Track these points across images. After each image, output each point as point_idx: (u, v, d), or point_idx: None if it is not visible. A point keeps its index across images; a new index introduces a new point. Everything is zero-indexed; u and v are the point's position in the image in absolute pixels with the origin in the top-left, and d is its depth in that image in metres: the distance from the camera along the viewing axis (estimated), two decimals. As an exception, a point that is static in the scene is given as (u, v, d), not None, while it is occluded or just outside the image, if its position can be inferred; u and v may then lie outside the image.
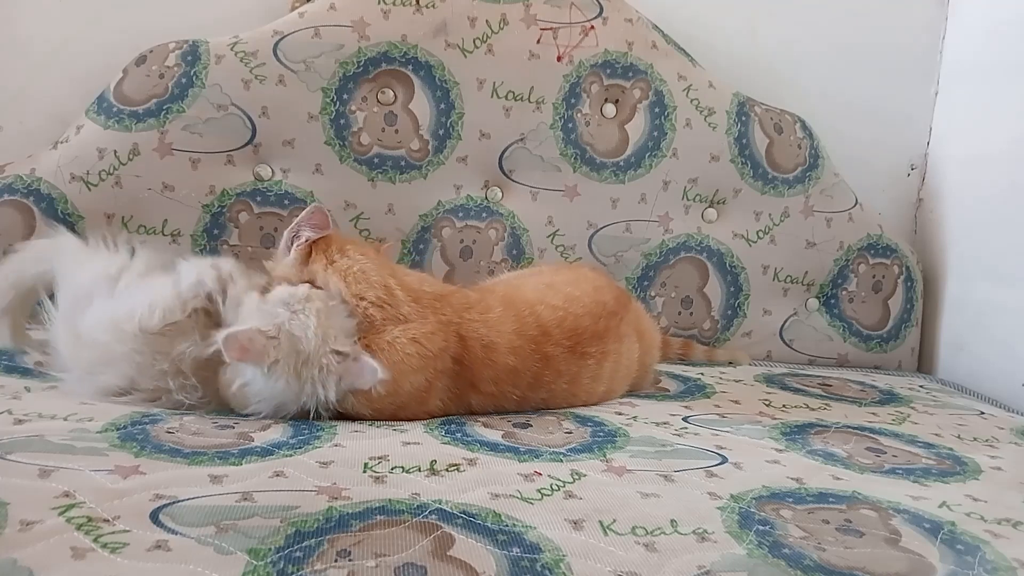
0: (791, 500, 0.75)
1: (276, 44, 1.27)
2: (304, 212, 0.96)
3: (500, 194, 1.39)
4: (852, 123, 1.58)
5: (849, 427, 1.02)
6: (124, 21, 1.34)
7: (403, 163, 1.34)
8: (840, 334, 1.51)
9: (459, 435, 0.86)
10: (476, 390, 0.95)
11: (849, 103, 1.58)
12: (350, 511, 0.64)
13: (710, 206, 1.47)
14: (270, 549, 0.57)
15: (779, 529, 0.68)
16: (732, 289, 1.47)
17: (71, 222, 1.20)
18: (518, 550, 0.60)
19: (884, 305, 1.53)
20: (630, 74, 1.41)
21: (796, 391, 1.23)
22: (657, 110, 1.42)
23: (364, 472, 0.73)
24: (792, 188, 1.48)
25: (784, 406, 1.12)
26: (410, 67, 1.33)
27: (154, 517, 0.60)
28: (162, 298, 0.89)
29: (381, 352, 0.89)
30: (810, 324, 1.51)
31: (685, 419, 1.00)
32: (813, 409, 1.11)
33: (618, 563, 0.60)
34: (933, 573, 0.63)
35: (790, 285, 1.50)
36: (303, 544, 0.58)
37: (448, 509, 0.66)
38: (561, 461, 0.80)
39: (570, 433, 0.90)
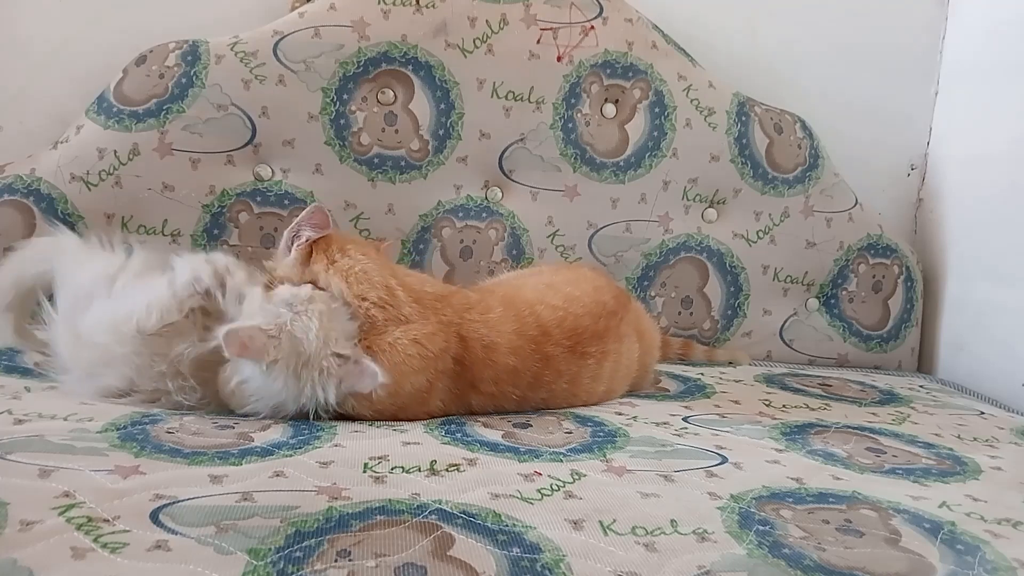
0: (791, 500, 0.75)
1: (276, 44, 1.27)
2: (304, 212, 0.96)
3: (500, 194, 1.39)
4: (852, 123, 1.58)
5: (849, 427, 1.02)
6: (124, 21, 1.34)
7: (403, 163, 1.34)
8: (840, 334, 1.51)
9: (459, 435, 0.86)
10: (476, 390, 0.95)
11: (849, 103, 1.58)
12: (350, 511, 0.64)
13: (710, 206, 1.47)
14: (270, 549, 0.57)
15: (779, 529, 0.68)
16: (732, 289, 1.47)
17: (71, 222, 1.20)
18: (518, 550, 0.60)
19: (884, 305, 1.53)
20: (630, 74, 1.41)
21: (796, 391, 1.23)
22: (657, 110, 1.42)
23: (364, 472, 0.73)
24: (792, 188, 1.48)
25: (784, 406, 1.12)
26: (410, 67, 1.33)
27: (154, 517, 0.60)
28: (159, 299, 0.89)
29: (383, 353, 0.89)
30: (810, 324, 1.51)
31: (685, 419, 1.00)
32: (813, 409, 1.11)
33: (618, 563, 0.60)
34: (933, 573, 0.63)
35: (790, 285, 1.50)
36: (303, 544, 0.58)
37: (448, 509, 0.66)
38: (561, 461, 0.80)
39: (570, 433, 0.90)
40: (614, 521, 0.67)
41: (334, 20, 1.29)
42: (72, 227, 1.18)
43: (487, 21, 1.34)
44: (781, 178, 1.47)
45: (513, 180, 1.39)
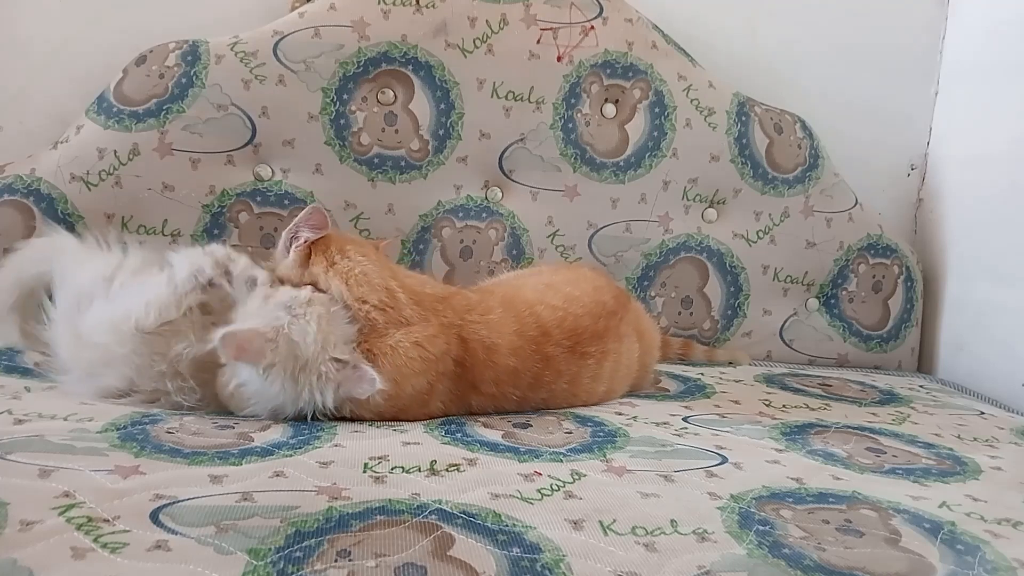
0: (791, 500, 0.75)
1: (276, 44, 1.27)
2: (302, 213, 0.96)
3: (500, 194, 1.39)
4: (852, 123, 1.58)
5: (849, 427, 1.02)
6: (124, 21, 1.34)
7: (403, 163, 1.34)
8: (840, 334, 1.51)
9: (459, 435, 0.86)
10: (477, 391, 0.95)
11: (849, 103, 1.58)
12: (350, 511, 0.64)
13: (710, 206, 1.47)
14: (270, 549, 0.57)
15: (779, 529, 0.68)
16: (732, 289, 1.47)
17: (71, 222, 1.20)
18: (518, 550, 0.60)
19: (884, 305, 1.53)
20: (630, 74, 1.41)
21: (796, 391, 1.23)
22: (657, 110, 1.42)
23: (364, 472, 0.73)
24: (792, 188, 1.48)
25: (784, 406, 1.12)
26: (410, 67, 1.33)
27: (154, 517, 0.60)
28: (157, 296, 0.88)
29: (384, 356, 0.88)
30: (810, 324, 1.51)
31: (685, 419, 1.00)
32: (813, 409, 1.11)
33: (618, 563, 0.60)
34: (933, 573, 0.63)
35: (790, 285, 1.50)
36: (303, 544, 0.58)
37: (448, 509, 0.66)
38: (561, 461, 0.80)
39: (570, 433, 0.90)
40: (614, 521, 0.67)
41: (334, 20, 1.29)
42: (72, 227, 1.18)
43: (487, 21, 1.34)
44: (781, 178, 1.47)
45: (513, 180, 1.39)
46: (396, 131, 1.33)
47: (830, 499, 0.76)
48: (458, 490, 0.71)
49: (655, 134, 1.42)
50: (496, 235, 1.38)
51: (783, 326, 1.50)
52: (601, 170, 1.41)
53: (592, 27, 1.39)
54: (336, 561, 0.56)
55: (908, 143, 1.63)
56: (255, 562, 0.55)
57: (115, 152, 1.21)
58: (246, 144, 1.27)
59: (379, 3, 1.31)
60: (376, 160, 1.33)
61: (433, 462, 0.77)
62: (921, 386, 1.36)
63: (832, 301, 1.52)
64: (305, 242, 0.95)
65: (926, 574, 0.63)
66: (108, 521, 0.59)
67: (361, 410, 0.89)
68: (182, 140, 1.24)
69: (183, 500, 0.63)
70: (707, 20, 1.53)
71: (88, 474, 0.67)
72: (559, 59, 1.38)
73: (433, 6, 1.32)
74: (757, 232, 1.47)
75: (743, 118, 1.45)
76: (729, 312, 1.48)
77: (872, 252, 1.51)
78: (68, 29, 1.33)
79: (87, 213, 1.21)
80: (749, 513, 0.71)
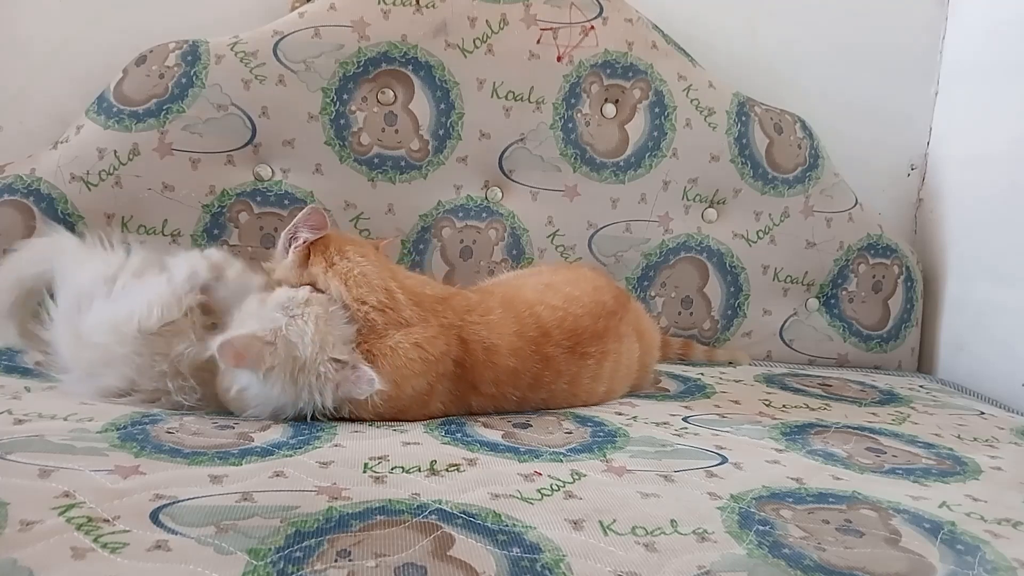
0: (791, 500, 0.75)
1: (276, 44, 1.27)
2: (301, 213, 0.96)
3: (500, 194, 1.39)
4: (852, 123, 1.58)
5: (849, 427, 1.02)
6: (124, 21, 1.34)
7: (403, 163, 1.34)
8: (840, 334, 1.51)
9: (459, 435, 0.86)
10: (477, 392, 0.95)
11: (849, 103, 1.58)
12: (350, 511, 0.64)
13: (710, 206, 1.47)
14: (270, 549, 0.57)
15: (779, 529, 0.68)
16: (732, 289, 1.47)
17: (71, 222, 1.20)
18: (518, 550, 0.60)
19: (884, 305, 1.53)
20: (630, 74, 1.41)
21: (796, 391, 1.23)
22: (657, 110, 1.42)
23: (364, 472, 0.73)
24: (792, 188, 1.48)
25: (784, 406, 1.12)
26: (410, 67, 1.33)
27: (154, 517, 0.60)
28: (159, 296, 0.89)
29: (383, 357, 0.88)
30: (810, 324, 1.51)
31: (685, 419, 1.00)
32: (813, 409, 1.11)
33: (618, 563, 0.60)
34: (933, 573, 0.63)
35: (790, 285, 1.50)
36: (303, 544, 0.58)
37: (448, 509, 0.66)
38: (561, 461, 0.80)
39: (570, 433, 0.90)
40: (614, 521, 0.67)
41: (334, 20, 1.29)
42: (72, 227, 1.18)
43: (487, 21, 1.34)
44: (781, 178, 1.47)
45: (513, 180, 1.39)
46: (396, 131, 1.33)
47: (830, 499, 0.76)
48: (458, 490, 0.71)
49: (655, 134, 1.42)
50: (496, 235, 1.38)
51: (783, 326, 1.50)
52: (601, 170, 1.41)
53: (592, 27, 1.39)
54: (336, 561, 0.56)
55: (908, 143, 1.63)
56: (255, 562, 0.55)
57: (115, 152, 1.21)
58: (246, 144, 1.27)
59: (379, 3, 1.31)
60: (376, 160, 1.33)
61: (433, 462, 0.77)
62: (921, 386, 1.36)
63: (832, 301, 1.52)
64: (304, 242, 0.95)
65: (926, 574, 0.63)
66: (108, 521, 0.59)
67: (360, 411, 0.89)
68: (182, 140, 1.24)
69: (183, 500, 0.63)
70: (707, 20, 1.53)
71: (88, 474, 0.67)
72: (559, 59, 1.38)
73: (433, 6, 1.32)
74: (757, 232, 1.47)
75: (743, 118, 1.45)
76: (729, 312, 1.48)
77: (872, 252, 1.51)
78: (68, 29, 1.33)
79: (87, 213, 1.21)
80: (749, 513, 0.71)
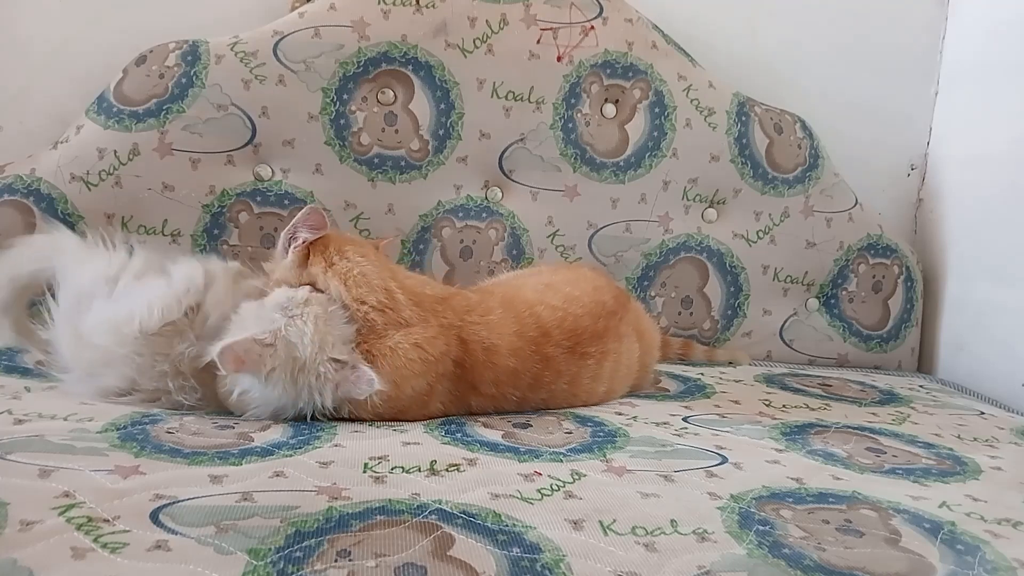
0: (791, 500, 0.75)
1: (276, 44, 1.27)
2: (300, 213, 0.96)
3: (500, 194, 1.39)
4: (852, 123, 1.58)
5: (849, 427, 1.02)
6: (124, 21, 1.34)
7: (403, 163, 1.34)
8: (840, 334, 1.51)
9: (459, 435, 0.86)
10: (476, 392, 0.95)
11: (849, 103, 1.58)
12: (350, 511, 0.64)
13: (710, 206, 1.47)
14: (270, 549, 0.57)
15: (779, 529, 0.68)
16: (732, 289, 1.47)
17: (71, 222, 1.20)
18: (518, 550, 0.60)
19: (884, 305, 1.53)
20: (630, 74, 1.41)
21: (796, 391, 1.23)
22: (657, 110, 1.42)
23: (364, 472, 0.73)
24: (792, 188, 1.48)
25: (784, 406, 1.12)
26: (410, 67, 1.33)
27: (154, 517, 0.60)
28: (159, 297, 0.89)
29: (383, 357, 0.88)
30: (810, 324, 1.51)
31: (685, 419, 1.00)
32: (813, 409, 1.11)
33: (618, 563, 0.60)
34: (933, 573, 0.63)
35: (790, 285, 1.50)
36: (303, 544, 0.58)
37: (448, 509, 0.66)
38: (561, 461, 0.80)
39: (570, 433, 0.90)
40: (614, 521, 0.67)
41: (334, 20, 1.29)
42: (72, 227, 1.18)
43: (487, 21, 1.34)
44: (781, 178, 1.47)
45: (513, 180, 1.39)
46: (396, 131, 1.33)
47: (830, 499, 0.76)
48: (458, 490, 0.71)
49: (655, 134, 1.42)
50: (496, 235, 1.38)
51: (783, 326, 1.50)
52: (601, 170, 1.41)
53: (592, 27, 1.39)
54: (336, 561, 0.56)
55: (908, 143, 1.63)
56: (255, 562, 0.55)
57: (115, 152, 1.21)
58: (246, 144, 1.27)
59: (379, 3, 1.31)
60: (376, 160, 1.33)
61: (433, 462, 0.77)
62: (921, 386, 1.36)
63: (832, 301, 1.52)
64: (303, 242, 0.95)
65: (926, 574, 0.63)
66: (108, 521, 0.59)
67: (360, 411, 0.89)
68: (182, 140, 1.24)
69: (183, 500, 0.63)
70: (707, 20, 1.53)
71: (88, 474, 0.67)
72: (559, 59, 1.38)
73: (433, 6, 1.32)
74: (757, 232, 1.47)
75: (743, 118, 1.45)
76: (729, 312, 1.48)
77: (872, 252, 1.51)
78: (68, 29, 1.33)
79: (87, 213, 1.21)
80: (749, 513, 0.71)
